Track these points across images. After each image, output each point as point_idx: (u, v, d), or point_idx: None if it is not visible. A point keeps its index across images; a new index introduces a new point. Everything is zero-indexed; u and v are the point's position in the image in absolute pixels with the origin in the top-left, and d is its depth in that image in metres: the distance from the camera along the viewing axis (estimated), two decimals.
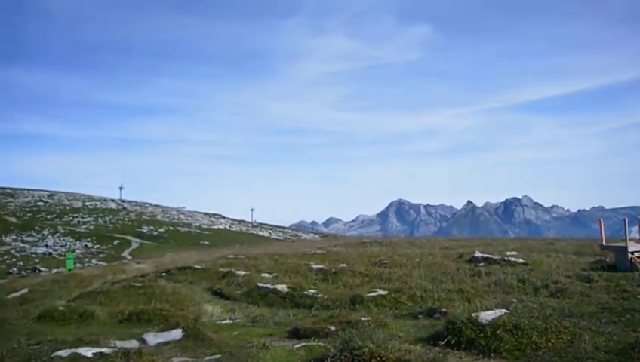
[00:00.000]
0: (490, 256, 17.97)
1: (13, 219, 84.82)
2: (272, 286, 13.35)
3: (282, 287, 13.16)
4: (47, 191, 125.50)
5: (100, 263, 51.06)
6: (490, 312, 7.59)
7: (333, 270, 16.50)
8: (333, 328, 8.69)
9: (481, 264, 16.64)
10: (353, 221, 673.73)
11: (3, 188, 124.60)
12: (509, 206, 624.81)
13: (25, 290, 19.70)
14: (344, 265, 18.05)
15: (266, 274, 16.69)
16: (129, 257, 55.89)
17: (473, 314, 7.54)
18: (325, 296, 12.30)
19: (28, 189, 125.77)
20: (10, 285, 24.66)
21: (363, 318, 9.11)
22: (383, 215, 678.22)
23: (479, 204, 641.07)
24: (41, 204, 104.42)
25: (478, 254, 18.47)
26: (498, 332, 6.95)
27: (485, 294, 11.20)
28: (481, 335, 7.03)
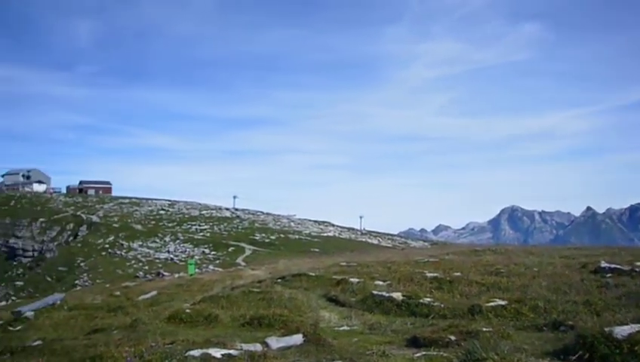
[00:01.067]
0: (618, 266, 16.76)
1: (139, 227, 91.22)
2: (387, 294, 13.35)
3: (397, 295, 13.11)
4: (168, 200, 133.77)
5: (216, 269, 53.61)
6: (625, 327, 7.08)
7: (447, 278, 16.19)
8: (453, 338, 8.55)
9: (609, 275, 15.56)
10: (463, 228, 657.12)
11: (130, 198, 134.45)
12: (635, 212, 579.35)
13: (153, 293, 21.17)
14: (458, 273, 17.64)
15: (380, 282, 16.69)
16: (243, 263, 58.10)
17: (606, 329, 7.06)
18: (442, 305, 12.11)
19: (151, 199, 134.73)
20: (139, 288, 26.58)
21: (484, 329, 8.89)
22: (495, 222, 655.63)
23: (600, 210, 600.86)
24: (162, 212, 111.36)
25: (604, 264, 17.29)
26: (636, 348, 6.46)
27: (616, 307, 10.47)
28: (617, 351, 6.57)
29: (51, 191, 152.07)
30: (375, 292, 13.97)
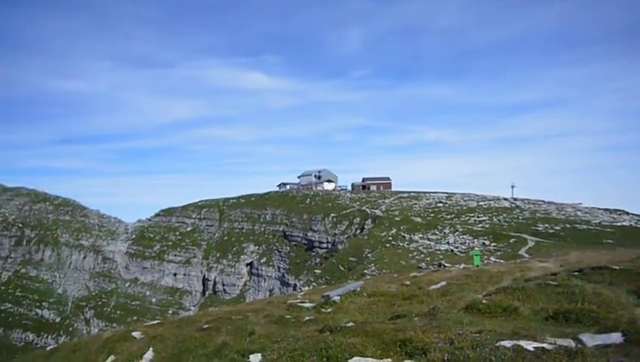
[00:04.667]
0: None
1: (419, 220, 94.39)
2: None
3: None
4: (445, 193, 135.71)
5: (497, 260, 52.40)
6: None
7: None
8: None
9: None
10: None
11: (408, 192, 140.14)
12: None
13: (443, 283, 21.61)
14: None
15: None
16: (526, 255, 55.72)
17: None
18: None
19: (428, 192, 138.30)
20: (427, 278, 27.42)
21: None
22: None
23: None
24: (440, 205, 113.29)
25: None
26: None
27: None
28: None
29: (339, 188, 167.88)
30: None
